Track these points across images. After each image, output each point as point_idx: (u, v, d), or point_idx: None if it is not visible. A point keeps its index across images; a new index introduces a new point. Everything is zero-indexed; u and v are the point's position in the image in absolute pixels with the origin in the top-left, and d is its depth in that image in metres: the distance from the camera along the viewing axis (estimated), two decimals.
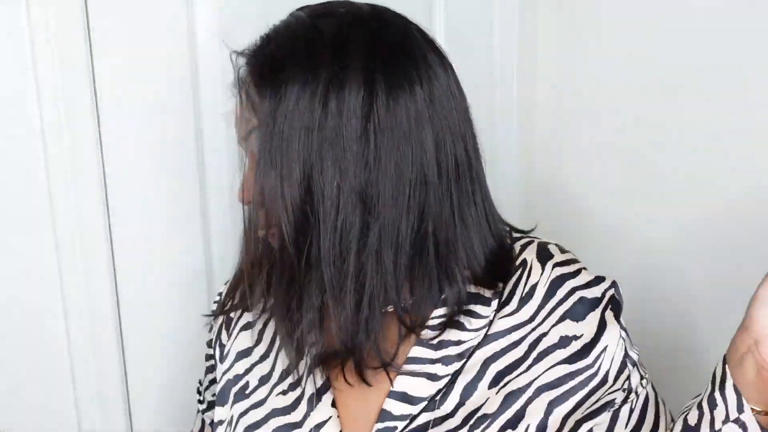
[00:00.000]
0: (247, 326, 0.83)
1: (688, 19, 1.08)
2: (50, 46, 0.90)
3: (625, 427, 0.76)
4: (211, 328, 0.88)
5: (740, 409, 0.67)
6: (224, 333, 0.85)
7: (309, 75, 0.66)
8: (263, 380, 0.79)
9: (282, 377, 0.78)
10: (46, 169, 0.93)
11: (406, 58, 0.69)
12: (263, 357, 0.80)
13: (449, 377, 0.72)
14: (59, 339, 0.98)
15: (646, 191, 1.17)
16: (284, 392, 0.77)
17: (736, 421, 0.67)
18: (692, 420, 0.71)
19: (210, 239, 1.04)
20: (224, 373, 0.82)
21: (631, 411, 0.76)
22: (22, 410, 0.98)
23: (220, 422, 0.81)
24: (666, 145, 1.13)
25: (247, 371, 0.81)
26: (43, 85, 0.91)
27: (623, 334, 0.75)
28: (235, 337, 0.83)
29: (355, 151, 0.66)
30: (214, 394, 0.87)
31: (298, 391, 0.77)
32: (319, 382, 0.76)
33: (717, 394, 0.69)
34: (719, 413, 0.68)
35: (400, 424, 0.72)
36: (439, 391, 0.72)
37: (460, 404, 0.72)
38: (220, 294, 0.88)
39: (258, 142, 0.68)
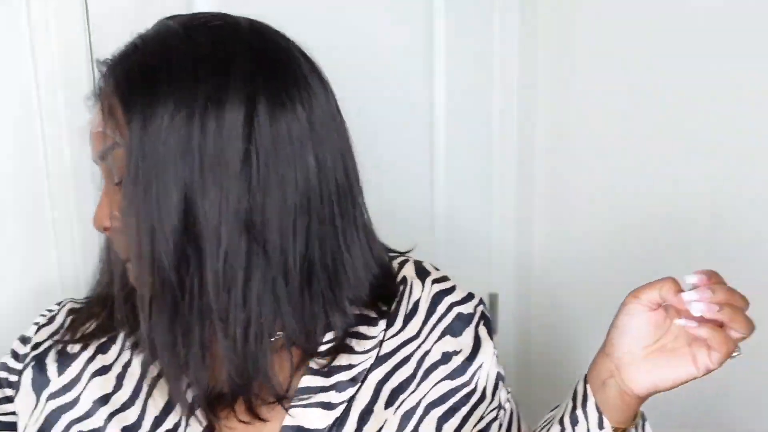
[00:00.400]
0: (103, 371, 0.73)
1: (688, 20, 1.08)
2: (50, 47, 0.90)
3: None
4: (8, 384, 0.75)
5: (600, 425, 0.70)
6: (49, 371, 0.73)
7: (185, 92, 0.61)
8: (129, 430, 0.70)
9: (155, 425, 0.70)
10: (47, 169, 0.93)
11: (288, 77, 0.65)
12: (126, 405, 0.71)
13: (345, 404, 0.70)
14: None
15: (647, 192, 1.17)
16: None
17: None
18: None
19: None
20: (74, 423, 0.71)
21: (500, 426, 0.77)
22: None
23: None
24: (667, 145, 1.13)
25: (107, 421, 0.71)
26: (44, 84, 0.91)
27: (495, 351, 0.76)
28: (86, 384, 0.73)
29: (238, 175, 0.62)
30: None
31: None
32: (203, 425, 0.70)
33: (579, 411, 0.71)
34: (581, 429, 0.71)
35: None
36: (337, 419, 0.70)
37: (358, 430, 0.70)
38: (24, 339, 0.76)
39: (126, 163, 0.62)
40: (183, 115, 0.61)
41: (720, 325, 0.65)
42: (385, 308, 0.74)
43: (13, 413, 0.73)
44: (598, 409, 0.70)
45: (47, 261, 0.95)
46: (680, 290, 0.66)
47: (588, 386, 0.71)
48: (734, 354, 0.65)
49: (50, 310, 0.79)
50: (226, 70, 0.62)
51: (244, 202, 0.62)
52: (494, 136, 1.30)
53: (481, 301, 0.78)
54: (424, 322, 0.75)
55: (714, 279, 0.66)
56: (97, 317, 0.75)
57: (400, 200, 1.20)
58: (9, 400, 0.74)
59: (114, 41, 0.93)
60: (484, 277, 1.35)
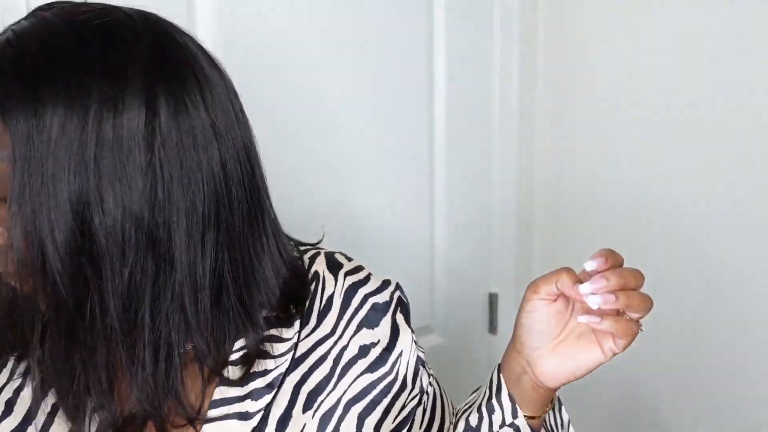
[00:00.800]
0: None
1: (688, 19, 1.08)
2: None
3: (420, 428, 0.76)
4: None
5: (514, 414, 0.72)
6: None
7: (75, 99, 0.55)
8: None
9: None
10: None
11: (189, 77, 0.60)
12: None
13: (261, 412, 0.68)
14: None
15: (647, 192, 1.17)
16: None
17: (511, 425, 0.72)
18: (473, 421, 0.74)
19: None
20: None
21: (424, 411, 0.76)
22: None
23: None
24: (667, 146, 1.13)
25: None
26: None
27: (413, 336, 0.74)
28: None
29: (141, 187, 0.56)
30: None
31: None
32: None
33: (494, 401, 0.73)
34: (496, 418, 0.73)
35: None
36: (254, 429, 0.67)
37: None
38: None
39: (10, 179, 0.55)
40: (75, 123, 0.55)
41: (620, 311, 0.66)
42: (296, 310, 0.71)
43: None
44: (511, 398, 0.72)
45: None
46: (577, 280, 0.66)
47: (501, 376, 0.73)
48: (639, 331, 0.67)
49: None
50: (122, 74, 0.57)
51: (149, 217, 0.57)
52: (494, 137, 1.30)
53: (397, 287, 0.75)
54: (339, 317, 0.72)
55: (610, 261, 0.65)
56: None
57: (399, 200, 1.19)
58: None
59: None
60: (484, 277, 1.35)
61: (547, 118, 1.31)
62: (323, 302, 0.72)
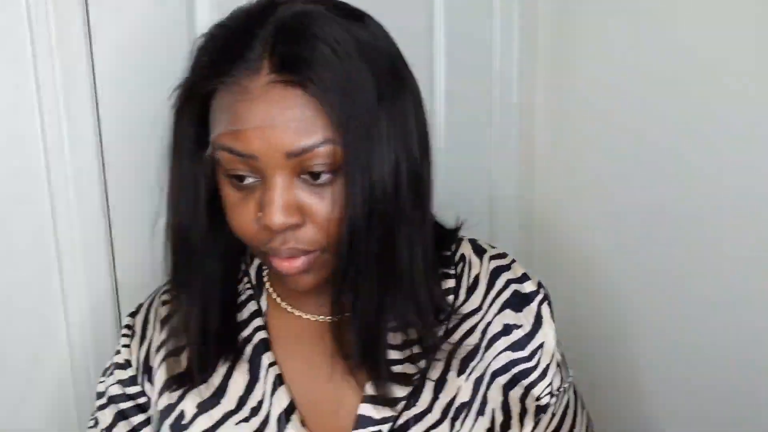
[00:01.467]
0: (176, 352, 0.78)
1: (689, 19, 1.08)
2: (50, 47, 0.90)
3: (545, 430, 0.77)
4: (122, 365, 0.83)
5: None
6: (152, 359, 0.81)
7: (375, 78, 0.66)
8: (203, 407, 0.76)
9: (240, 404, 0.75)
10: (47, 169, 0.93)
11: (402, 64, 0.72)
12: (201, 383, 0.77)
13: (419, 375, 0.73)
14: (60, 342, 0.98)
15: (647, 191, 1.17)
16: (246, 419, 0.74)
17: None
18: None
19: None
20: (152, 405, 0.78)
21: (553, 415, 0.78)
22: (22, 411, 0.98)
23: None
24: (668, 145, 1.13)
25: (180, 399, 0.77)
26: (44, 84, 0.91)
27: (556, 335, 0.78)
28: (159, 365, 0.79)
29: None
30: None
31: (262, 415, 0.74)
32: (285, 403, 0.74)
33: None
34: None
35: (384, 428, 0.72)
36: (413, 390, 0.73)
37: (435, 398, 0.73)
38: (129, 327, 0.84)
39: (343, 155, 0.64)
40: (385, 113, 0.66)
41: None
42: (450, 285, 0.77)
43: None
44: None
45: (47, 260, 0.95)
46: None
47: None
48: None
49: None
50: (401, 77, 0.70)
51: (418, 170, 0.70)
52: (494, 137, 1.30)
53: (541, 284, 0.80)
54: (485, 295, 0.77)
55: None
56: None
57: None
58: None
59: (114, 41, 0.94)
60: None
61: (547, 118, 1.31)
62: (470, 281, 0.78)
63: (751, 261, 1.06)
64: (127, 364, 0.82)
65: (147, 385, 0.80)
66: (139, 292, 1.01)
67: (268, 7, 0.67)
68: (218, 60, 0.66)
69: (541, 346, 0.76)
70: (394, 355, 0.73)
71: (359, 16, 0.69)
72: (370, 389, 0.72)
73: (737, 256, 1.07)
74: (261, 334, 0.77)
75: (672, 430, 1.15)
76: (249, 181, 0.67)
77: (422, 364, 0.73)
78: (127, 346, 0.83)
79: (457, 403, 0.73)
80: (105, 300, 0.99)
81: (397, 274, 0.69)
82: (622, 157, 1.20)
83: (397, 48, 0.72)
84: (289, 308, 0.79)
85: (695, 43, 1.07)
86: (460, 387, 0.74)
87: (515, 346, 0.76)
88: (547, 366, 0.76)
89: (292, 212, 0.65)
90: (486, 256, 0.80)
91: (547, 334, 0.77)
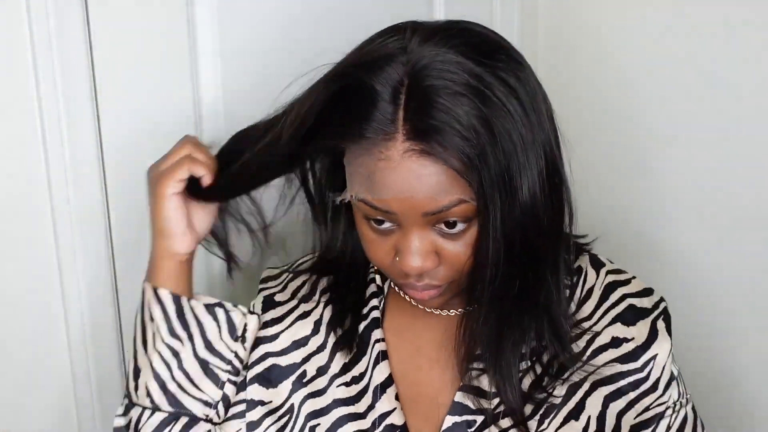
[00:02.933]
0: (305, 315, 0.85)
1: (688, 19, 1.08)
2: (50, 46, 0.90)
3: None
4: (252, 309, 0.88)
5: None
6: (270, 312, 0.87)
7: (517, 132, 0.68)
8: (321, 371, 0.82)
9: (343, 370, 0.81)
10: (47, 169, 0.93)
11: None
12: (320, 348, 0.83)
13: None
14: (60, 342, 0.98)
15: (647, 191, 1.17)
16: (347, 384, 0.81)
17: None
18: None
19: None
20: (269, 356, 0.84)
21: (669, 427, 0.78)
22: (23, 411, 0.98)
23: (260, 402, 0.83)
24: (667, 145, 1.13)
25: (305, 360, 0.83)
26: (44, 84, 0.91)
27: (672, 349, 0.78)
28: (290, 325, 0.85)
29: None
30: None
31: (362, 384, 0.80)
32: (384, 376, 0.79)
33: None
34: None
35: (478, 417, 0.76)
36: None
37: (528, 396, 0.75)
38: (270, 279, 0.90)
39: (478, 206, 0.67)
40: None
41: None
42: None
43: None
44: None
45: (48, 260, 0.95)
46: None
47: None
48: None
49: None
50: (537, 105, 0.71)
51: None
52: None
53: (662, 299, 0.80)
54: (597, 307, 0.78)
55: None
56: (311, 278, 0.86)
57: None
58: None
59: (114, 40, 0.94)
60: None
61: None
62: (583, 293, 0.80)
63: (752, 259, 1.06)
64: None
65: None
66: (139, 292, 1.01)
67: (397, 55, 0.68)
68: (349, 119, 0.68)
69: (653, 358, 0.76)
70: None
71: (491, 53, 0.69)
72: (465, 379, 0.76)
73: (739, 253, 1.07)
74: (375, 314, 0.82)
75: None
76: (386, 225, 0.71)
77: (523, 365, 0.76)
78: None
79: (547, 403, 0.75)
80: (105, 300, 0.99)
81: (533, 289, 0.72)
82: (621, 157, 1.20)
83: (535, 77, 0.73)
84: (407, 297, 0.82)
85: (695, 44, 1.07)
86: (554, 387, 0.76)
87: (624, 359, 0.76)
88: (658, 379, 0.76)
89: (428, 258, 0.70)
90: (603, 270, 0.81)
91: (662, 347, 0.77)
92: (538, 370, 0.76)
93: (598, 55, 1.21)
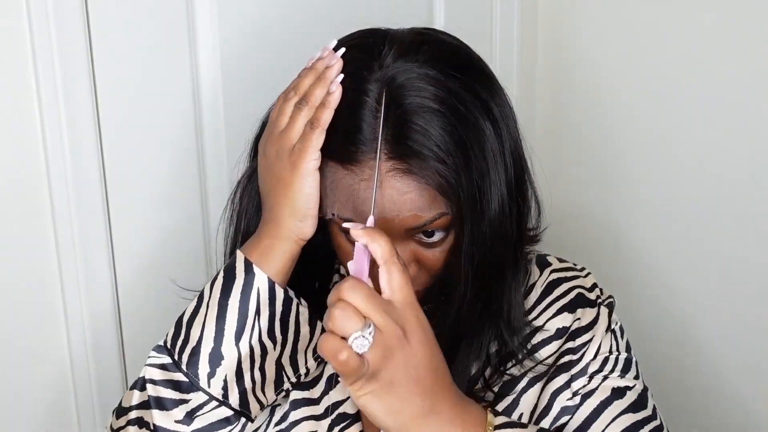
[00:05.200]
0: None
1: (688, 19, 1.08)
2: (50, 46, 0.90)
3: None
4: None
5: None
6: None
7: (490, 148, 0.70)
8: None
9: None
10: (47, 169, 0.93)
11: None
12: None
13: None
14: (60, 342, 0.98)
15: (646, 191, 1.17)
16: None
17: None
18: None
19: (210, 239, 1.04)
20: None
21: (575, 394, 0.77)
22: (23, 410, 0.98)
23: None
24: (668, 145, 1.13)
25: None
26: (44, 84, 0.91)
27: (617, 336, 0.78)
28: None
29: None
30: None
31: (318, 370, 0.79)
32: None
33: None
34: None
35: None
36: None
37: (471, 391, 0.76)
38: None
39: (457, 216, 0.68)
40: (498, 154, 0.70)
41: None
42: None
43: None
44: None
45: (48, 260, 0.95)
46: None
47: None
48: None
49: None
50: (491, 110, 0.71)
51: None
52: None
53: (610, 297, 0.81)
54: (537, 302, 0.79)
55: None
56: None
57: None
58: None
59: (114, 41, 0.94)
60: None
61: (547, 118, 1.31)
62: (525, 288, 0.79)
63: (750, 258, 1.06)
64: None
65: None
66: (139, 292, 1.01)
67: (374, 71, 0.68)
68: (329, 136, 0.68)
69: (590, 341, 0.77)
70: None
71: (463, 67, 0.70)
72: None
73: (735, 253, 1.07)
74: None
75: None
76: None
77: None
78: None
79: (486, 398, 0.76)
80: (105, 300, 0.99)
81: (497, 291, 0.74)
82: (621, 157, 1.20)
83: (500, 87, 0.74)
84: None
85: (694, 44, 1.07)
86: (498, 383, 0.77)
87: (569, 338, 0.77)
88: (588, 363, 0.76)
89: (409, 268, 0.71)
90: (548, 270, 0.82)
91: (600, 333, 0.77)
92: (488, 366, 0.76)
93: (597, 54, 1.21)
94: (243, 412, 0.74)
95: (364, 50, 0.70)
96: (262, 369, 0.73)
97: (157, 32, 0.96)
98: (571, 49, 1.25)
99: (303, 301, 0.74)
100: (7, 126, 0.90)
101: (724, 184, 1.07)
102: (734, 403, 1.10)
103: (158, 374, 0.74)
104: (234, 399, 0.72)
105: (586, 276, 0.82)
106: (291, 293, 0.73)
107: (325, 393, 0.79)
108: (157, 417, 0.72)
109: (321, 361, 0.78)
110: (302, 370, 0.76)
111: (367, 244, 0.61)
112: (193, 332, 0.72)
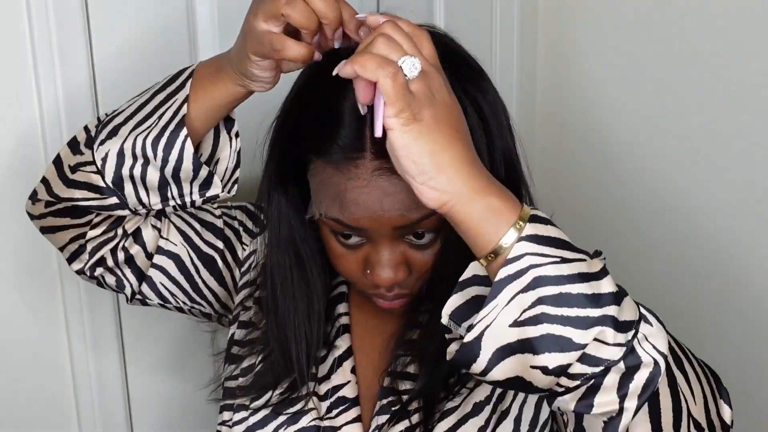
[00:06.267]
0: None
1: (688, 20, 1.08)
2: (51, 47, 0.90)
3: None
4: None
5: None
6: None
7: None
8: None
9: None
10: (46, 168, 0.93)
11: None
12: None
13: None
14: (59, 338, 0.98)
15: (645, 190, 1.17)
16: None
17: None
18: None
19: None
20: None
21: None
22: (22, 410, 0.98)
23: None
24: (668, 147, 1.13)
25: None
26: (44, 85, 0.91)
27: None
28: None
29: None
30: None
31: (322, 352, 0.81)
32: (343, 349, 0.80)
33: None
34: None
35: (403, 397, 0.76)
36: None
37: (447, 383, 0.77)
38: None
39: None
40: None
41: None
42: None
43: (241, 242, 0.86)
44: None
45: (48, 260, 0.95)
46: None
47: None
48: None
49: None
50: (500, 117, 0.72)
51: None
52: None
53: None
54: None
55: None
56: None
57: None
58: (248, 233, 0.87)
59: (114, 41, 0.94)
60: None
61: (547, 120, 1.31)
62: None
63: (750, 259, 1.06)
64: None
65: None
66: None
67: None
68: (316, 135, 0.67)
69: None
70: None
71: (453, 64, 0.69)
72: (397, 366, 0.77)
73: (735, 254, 1.07)
74: (342, 288, 0.83)
75: None
76: (355, 240, 0.71)
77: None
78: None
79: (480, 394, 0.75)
80: (105, 299, 0.99)
81: None
82: (621, 156, 1.20)
83: (493, 87, 0.73)
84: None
85: (695, 43, 1.07)
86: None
87: None
88: None
89: (399, 269, 0.71)
90: None
91: None
92: None
93: (597, 55, 1.21)
94: (115, 190, 0.76)
95: (351, 47, 0.68)
96: (144, 168, 0.74)
97: (158, 32, 0.96)
98: (571, 49, 1.25)
99: (189, 144, 0.73)
100: (7, 126, 0.90)
101: (725, 183, 1.07)
102: (735, 403, 1.10)
103: (83, 134, 0.79)
104: (109, 175, 0.75)
105: None
106: (184, 130, 0.72)
107: (326, 377, 0.79)
108: (63, 153, 0.78)
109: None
110: (187, 199, 0.77)
111: (388, 22, 0.59)
112: (122, 107, 0.77)
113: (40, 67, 0.90)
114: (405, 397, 0.75)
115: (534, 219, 0.57)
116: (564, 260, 0.56)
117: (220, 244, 0.86)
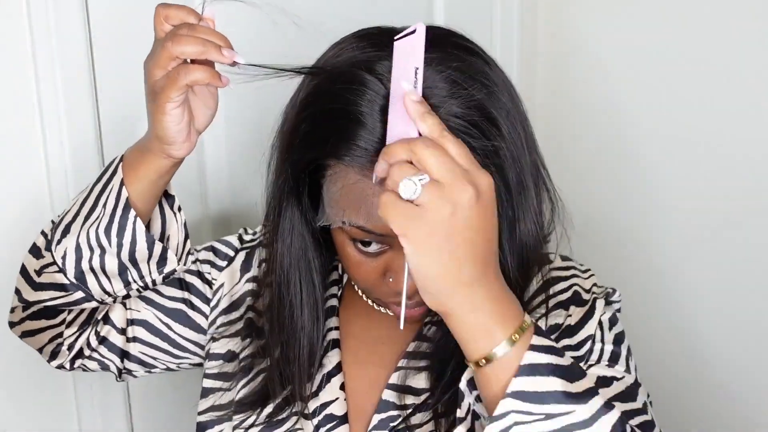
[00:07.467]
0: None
1: (687, 20, 1.08)
2: (50, 47, 0.90)
3: None
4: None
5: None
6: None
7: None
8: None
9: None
10: (47, 168, 0.93)
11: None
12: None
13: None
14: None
15: (645, 190, 1.17)
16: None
17: None
18: None
19: (211, 238, 1.04)
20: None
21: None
22: (23, 413, 0.98)
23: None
24: (667, 144, 1.13)
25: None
26: (44, 84, 0.91)
27: (606, 328, 0.76)
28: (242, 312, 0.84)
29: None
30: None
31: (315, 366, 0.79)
32: (332, 365, 0.78)
33: None
34: None
35: (403, 412, 0.75)
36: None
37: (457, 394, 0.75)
38: (247, 230, 0.88)
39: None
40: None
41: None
42: None
43: (207, 281, 0.85)
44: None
45: None
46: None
47: None
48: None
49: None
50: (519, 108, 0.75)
51: None
52: None
53: (608, 289, 0.79)
54: (533, 297, 0.77)
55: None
56: None
57: None
58: (215, 268, 0.85)
59: (114, 40, 0.94)
60: None
61: (547, 118, 1.31)
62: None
63: (743, 254, 1.06)
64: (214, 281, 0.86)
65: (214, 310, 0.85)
66: None
67: (377, 71, 0.65)
68: (335, 136, 0.65)
69: (587, 339, 0.75)
70: (422, 347, 0.76)
71: (461, 56, 0.69)
72: (395, 378, 0.75)
73: (730, 249, 1.07)
74: (332, 302, 0.81)
75: None
76: (376, 247, 0.69)
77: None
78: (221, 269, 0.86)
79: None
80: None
81: None
82: (621, 156, 1.20)
83: (515, 94, 0.74)
84: (364, 297, 0.81)
85: (697, 41, 1.08)
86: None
87: (563, 334, 0.75)
88: (589, 351, 0.75)
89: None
90: (546, 267, 0.79)
91: (592, 328, 0.75)
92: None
93: (597, 54, 1.22)
94: (78, 285, 0.77)
95: (364, 48, 0.68)
96: (102, 258, 0.75)
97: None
98: (572, 48, 1.25)
99: (140, 222, 0.74)
100: (7, 126, 0.91)
101: (734, 181, 1.07)
102: (733, 403, 1.10)
103: (41, 239, 0.80)
104: (70, 271, 0.76)
105: (588, 277, 0.80)
106: (132, 212, 0.73)
107: (315, 394, 0.78)
108: (26, 261, 0.80)
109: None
110: (148, 279, 0.77)
111: (416, 117, 0.58)
112: (68, 207, 0.78)
113: (40, 67, 0.90)
114: (407, 412, 0.74)
115: (531, 331, 0.59)
116: (548, 416, 0.57)
117: (183, 294, 0.85)
